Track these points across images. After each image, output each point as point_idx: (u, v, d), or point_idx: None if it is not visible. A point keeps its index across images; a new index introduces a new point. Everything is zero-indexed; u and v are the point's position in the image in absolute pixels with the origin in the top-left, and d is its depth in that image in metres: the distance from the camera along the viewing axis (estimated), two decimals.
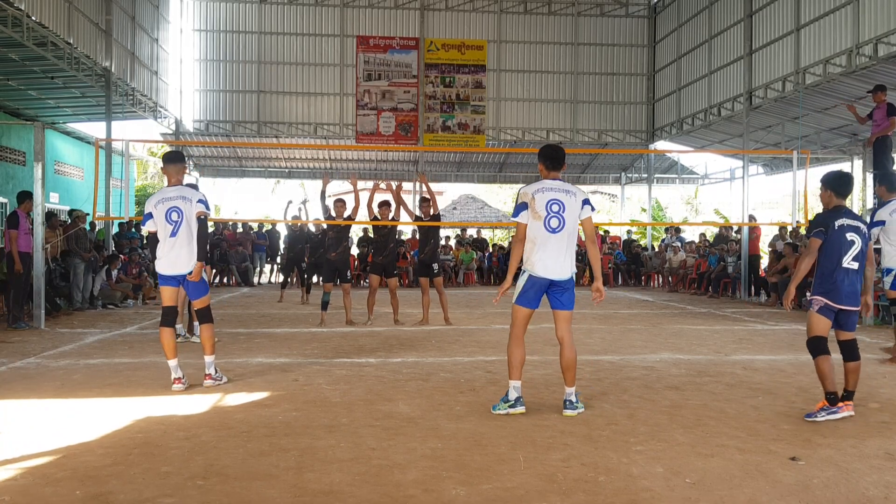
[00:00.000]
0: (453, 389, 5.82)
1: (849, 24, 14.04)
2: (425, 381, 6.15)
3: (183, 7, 23.10)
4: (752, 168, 19.21)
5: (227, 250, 18.89)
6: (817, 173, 8.05)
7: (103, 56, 16.91)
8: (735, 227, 17.62)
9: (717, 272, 16.72)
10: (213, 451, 4.06)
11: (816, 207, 18.22)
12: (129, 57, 18.81)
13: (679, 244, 19.62)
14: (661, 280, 20.15)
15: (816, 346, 5.00)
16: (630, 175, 27.30)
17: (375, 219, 10.10)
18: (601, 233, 20.92)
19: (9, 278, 9.85)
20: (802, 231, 14.89)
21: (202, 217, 5.83)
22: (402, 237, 9.91)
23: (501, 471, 3.76)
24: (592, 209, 5.01)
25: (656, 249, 21.81)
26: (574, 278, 5.05)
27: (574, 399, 5.07)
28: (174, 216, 5.73)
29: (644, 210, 30.38)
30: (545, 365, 6.95)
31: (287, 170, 27.74)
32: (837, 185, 5.17)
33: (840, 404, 4.88)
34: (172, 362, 5.72)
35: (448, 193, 42.83)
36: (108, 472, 3.69)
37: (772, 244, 16.45)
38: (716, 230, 19.39)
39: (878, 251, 10.33)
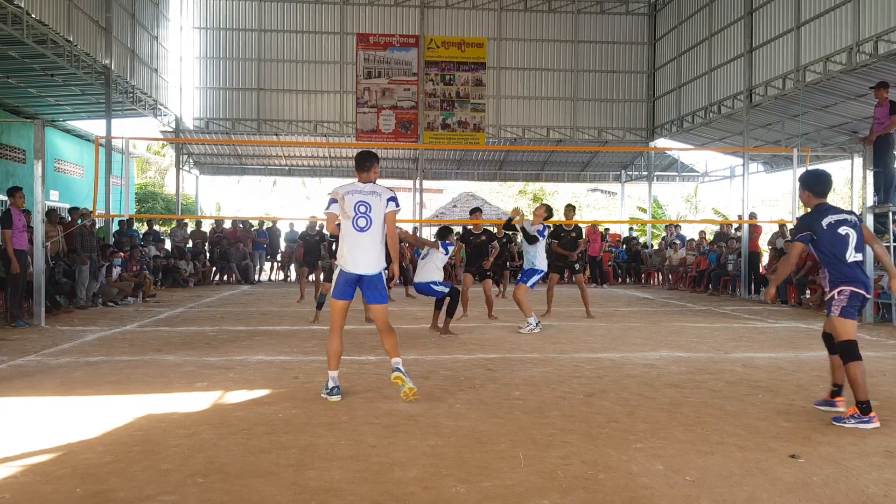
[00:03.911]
0: (453, 387, 5.82)
1: (849, 21, 14.04)
2: (425, 378, 6.15)
3: (183, 4, 23.10)
4: (752, 166, 19.20)
5: (228, 248, 18.90)
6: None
7: (103, 54, 16.90)
8: (735, 225, 17.62)
9: (717, 270, 16.72)
10: (213, 449, 4.06)
11: None
12: (128, 54, 18.81)
13: (679, 241, 19.61)
14: (660, 278, 20.16)
15: (851, 352, 4.71)
16: (630, 173, 27.31)
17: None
18: (601, 230, 20.94)
19: (6, 276, 9.81)
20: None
21: None
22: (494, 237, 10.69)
23: (501, 468, 3.76)
24: (397, 206, 5.34)
25: (656, 247, 21.81)
26: (382, 274, 5.33)
27: (402, 368, 5.33)
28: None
29: (644, 210, 30.37)
30: (545, 363, 6.95)
31: (287, 167, 27.76)
32: (815, 183, 5.02)
33: (872, 414, 4.62)
34: None
35: (448, 191, 42.78)
36: (109, 470, 3.69)
37: (771, 241, 16.44)
38: (716, 227, 19.38)
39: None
